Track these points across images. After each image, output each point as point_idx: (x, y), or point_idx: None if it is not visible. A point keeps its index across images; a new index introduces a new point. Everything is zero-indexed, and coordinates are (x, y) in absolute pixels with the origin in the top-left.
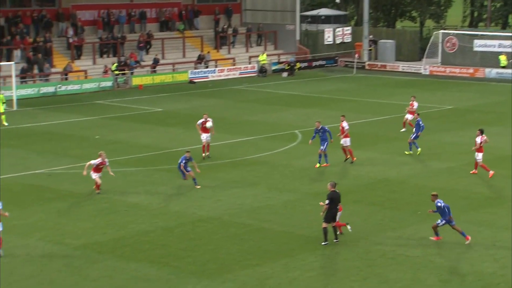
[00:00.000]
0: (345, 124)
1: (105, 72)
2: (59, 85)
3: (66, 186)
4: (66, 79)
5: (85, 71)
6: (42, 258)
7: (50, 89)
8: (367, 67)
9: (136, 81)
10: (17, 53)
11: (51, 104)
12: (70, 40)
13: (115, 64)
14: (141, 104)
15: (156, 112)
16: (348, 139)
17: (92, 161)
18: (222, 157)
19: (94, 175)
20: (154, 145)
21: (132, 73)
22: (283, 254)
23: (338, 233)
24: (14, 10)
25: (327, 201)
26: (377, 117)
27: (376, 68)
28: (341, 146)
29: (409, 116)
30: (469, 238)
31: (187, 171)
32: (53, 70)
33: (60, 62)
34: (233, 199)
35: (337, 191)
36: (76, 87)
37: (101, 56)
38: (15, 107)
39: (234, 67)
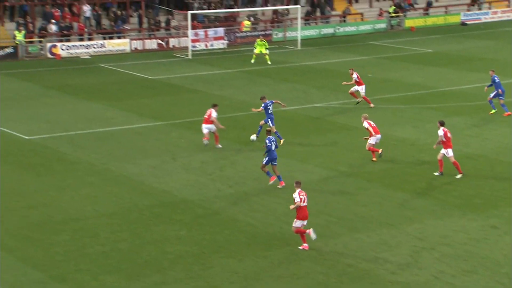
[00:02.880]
0: None
1: (380, 14)
2: (337, 27)
3: (342, 119)
4: (344, 21)
5: (361, 13)
6: (319, 182)
7: (330, 30)
8: None
9: (409, 23)
10: None
11: (330, 44)
12: None
13: (393, 7)
14: (412, 45)
15: (427, 53)
16: None
17: None
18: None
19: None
20: (423, 84)
21: (405, 16)
22: None
23: None
24: None
25: None
26: None
27: None
28: None
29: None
30: (283, 183)
31: None
32: (333, 13)
33: (339, 5)
34: (500, 138)
35: None
36: (352, 28)
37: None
38: (299, 47)
39: (509, 8)
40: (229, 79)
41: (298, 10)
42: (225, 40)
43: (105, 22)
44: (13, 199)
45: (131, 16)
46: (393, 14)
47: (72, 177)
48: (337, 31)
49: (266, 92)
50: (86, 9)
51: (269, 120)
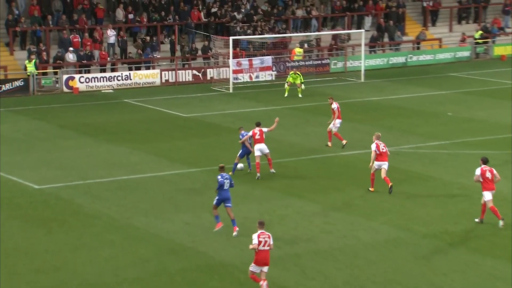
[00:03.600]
0: None
1: (462, 40)
2: (410, 55)
3: (415, 167)
4: (418, 48)
5: (439, 39)
6: (387, 244)
7: (400, 59)
8: None
9: (498, 50)
10: (368, 19)
11: (400, 76)
12: (425, 4)
13: (479, 32)
14: (502, 77)
15: None
16: None
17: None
18: None
19: None
20: None
21: (494, 42)
22: None
23: None
24: None
25: None
26: None
27: None
28: None
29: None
30: (237, 228)
31: None
32: (404, 38)
33: (412, 29)
34: None
35: None
36: (428, 57)
37: (459, 22)
38: (362, 79)
39: None
40: (278, 117)
41: (361, 35)
42: (273, 71)
43: (131, 49)
44: (19, 261)
45: (162, 43)
46: (479, 40)
47: (89, 234)
48: (409, 60)
49: (321, 133)
50: (111, 34)
51: (245, 153)
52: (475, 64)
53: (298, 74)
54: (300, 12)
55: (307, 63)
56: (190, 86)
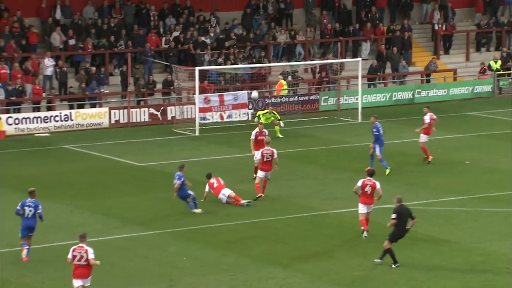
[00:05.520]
0: None
1: (482, 72)
2: (417, 90)
3: (427, 229)
4: (428, 81)
5: (454, 70)
6: None
7: (406, 94)
8: None
9: None
10: (366, 46)
11: (406, 116)
12: (436, 27)
13: (498, 62)
14: None
15: None
16: None
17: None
18: None
19: None
20: None
21: None
22: None
23: None
24: None
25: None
26: None
27: None
28: None
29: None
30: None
31: None
32: (410, 69)
33: (420, 58)
34: None
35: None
36: (440, 92)
37: (478, 50)
38: (359, 119)
39: None
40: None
41: (358, 65)
42: (249, 108)
43: (72, 83)
44: None
45: (112, 75)
46: (501, 71)
47: None
48: (417, 96)
49: (310, 186)
50: (48, 64)
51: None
52: (498, 101)
53: (274, 113)
54: (282, 37)
55: (291, 99)
56: (146, 128)
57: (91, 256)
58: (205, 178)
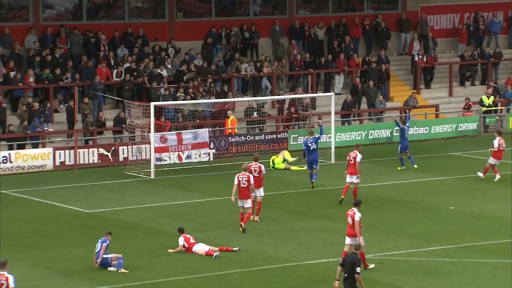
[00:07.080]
0: None
1: (467, 108)
2: (396, 127)
3: (407, 281)
4: (407, 118)
5: (436, 106)
6: None
7: (383, 133)
8: None
9: None
10: (339, 79)
11: (384, 156)
12: (416, 59)
13: (491, 97)
14: None
15: None
16: None
17: None
18: None
19: None
20: None
21: (508, 110)
22: None
23: None
24: (337, 17)
25: None
26: None
27: None
28: None
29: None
30: None
31: None
32: (388, 105)
33: (399, 92)
34: None
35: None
36: (421, 130)
37: (462, 83)
38: (332, 160)
39: None
40: (219, 213)
41: (331, 100)
42: (211, 148)
43: (12, 120)
44: None
45: (56, 111)
46: (491, 107)
47: None
48: (395, 134)
49: (277, 235)
50: None
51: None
52: (484, 140)
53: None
54: (247, 69)
55: (257, 138)
56: (95, 171)
57: (12, 285)
58: (159, 227)
